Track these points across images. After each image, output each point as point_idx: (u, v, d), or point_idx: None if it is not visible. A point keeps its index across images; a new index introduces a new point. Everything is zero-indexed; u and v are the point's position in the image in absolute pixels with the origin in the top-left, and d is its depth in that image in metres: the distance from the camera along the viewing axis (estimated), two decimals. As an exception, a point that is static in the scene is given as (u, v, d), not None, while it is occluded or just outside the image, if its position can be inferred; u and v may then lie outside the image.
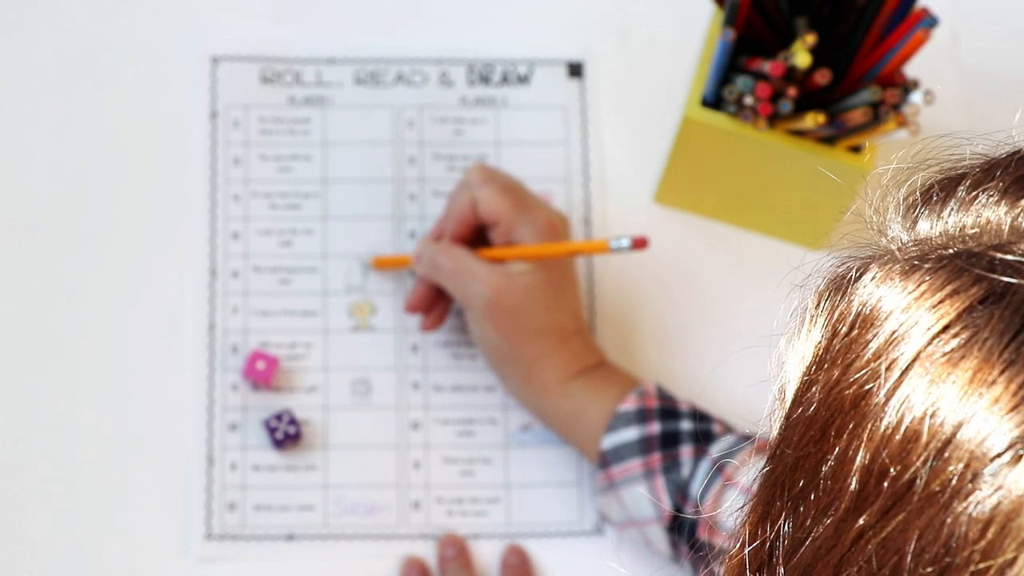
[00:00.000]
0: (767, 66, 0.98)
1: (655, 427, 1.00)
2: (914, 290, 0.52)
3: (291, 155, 1.13)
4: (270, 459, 1.06)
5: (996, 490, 0.48)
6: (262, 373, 1.06)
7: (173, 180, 1.12)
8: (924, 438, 0.50)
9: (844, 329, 0.54)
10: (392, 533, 1.06)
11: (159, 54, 1.15)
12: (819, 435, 0.53)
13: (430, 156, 1.14)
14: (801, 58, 0.96)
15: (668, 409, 1.01)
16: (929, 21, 0.96)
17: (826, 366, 0.54)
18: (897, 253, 0.54)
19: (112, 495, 1.05)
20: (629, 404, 1.01)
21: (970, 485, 0.48)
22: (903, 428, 0.50)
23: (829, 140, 1.02)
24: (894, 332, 0.52)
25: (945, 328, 0.51)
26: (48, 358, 1.08)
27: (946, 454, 0.49)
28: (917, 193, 0.57)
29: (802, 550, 0.53)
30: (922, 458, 0.49)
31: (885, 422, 0.51)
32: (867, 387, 0.52)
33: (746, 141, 1.03)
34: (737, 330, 1.11)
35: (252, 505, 1.06)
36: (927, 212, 0.56)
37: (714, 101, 1.03)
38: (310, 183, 1.13)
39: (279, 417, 1.06)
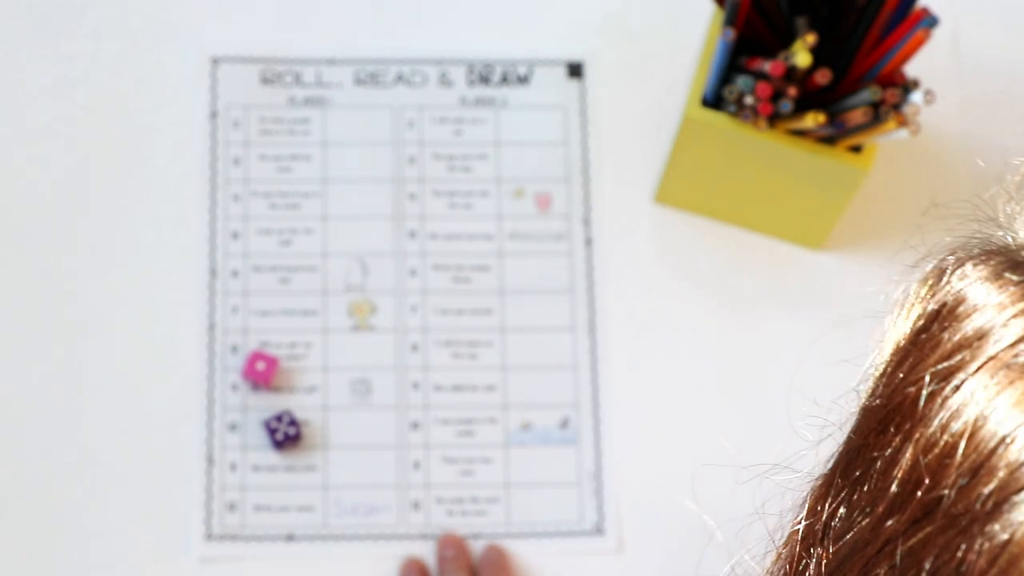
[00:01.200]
0: (767, 66, 0.98)
1: None
2: (998, 295, 0.51)
3: (291, 155, 1.13)
4: (270, 459, 1.06)
5: (1013, 525, 0.47)
6: (262, 373, 1.06)
7: (173, 180, 1.12)
8: (960, 454, 0.49)
9: (923, 324, 0.53)
10: (392, 533, 1.06)
11: (159, 55, 1.14)
12: (880, 428, 0.52)
13: (430, 156, 1.14)
14: (802, 58, 0.96)
15: None
16: (929, 21, 0.96)
17: (902, 358, 0.53)
18: (998, 252, 0.53)
19: (111, 495, 1.05)
20: None
21: (993, 513, 0.47)
22: (944, 440, 0.49)
23: (829, 140, 1.02)
24: (967, 336, 0.50)
25: (1019, 340, 0.49)
26: (47, 358, 1.07)
27: (980, 474, 0.48)
28: None
29: (846, 538, 0.52)
30: (955, 475, 0.49)
31: (932, 429, 0.50)
32: (930, 388, 0.51)
33: (746, 141, 1.03)
34: (737, 330, 1.11)
35: (252, 505, 1.06)
36: None
37: (714, 101, 1.03)
38: (310, 183, 1.13)
39: (279, 418, 1.06)
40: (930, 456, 0.49)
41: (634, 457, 1.08)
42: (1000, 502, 0.47)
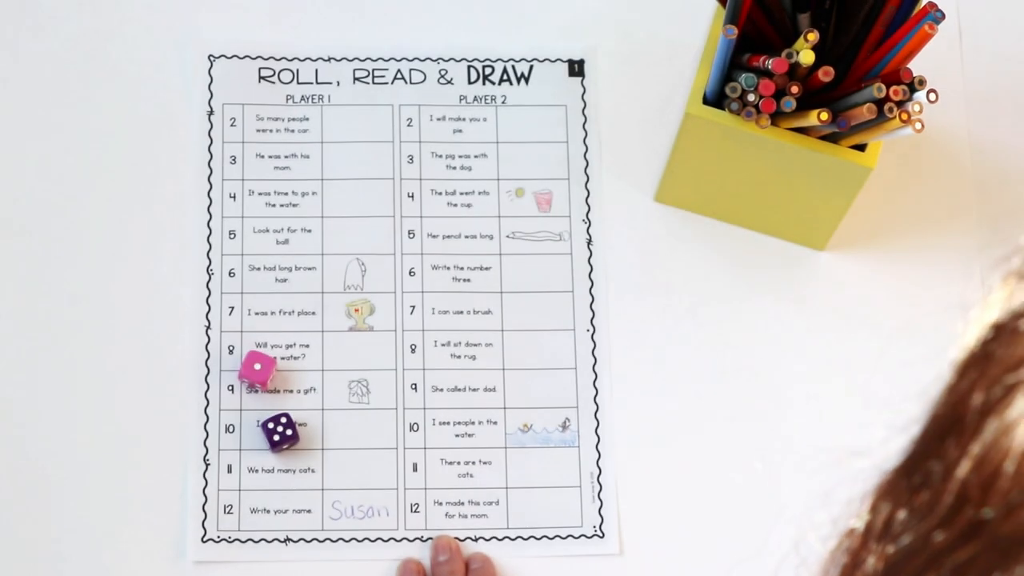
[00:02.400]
0: (770, 63, 0.97)
1: None
2: None
3: (288, 154, 1.13)
4: (267, 461, 1.06)
5: None
6: (259, 374, 1.06)
7: (169, 179, 1.12)
8: (1010, 474, 0.47)
9: (993, 333, 0.51)
10: (390, 536, 1.05)
11: (156, 52, 1.14)
12: (941, 436, 0.51)
13: (429, 155, 1.13)
14: (804, 56, 0.96)
15: None
16: (935, 16, 0.95)
17: (969, 366, 0.52)
18: None
19: (108, 498, 1.04)
20: None
21: None
22: (996, 457, 0.48)
23: (832, 138, 1.01)
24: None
25: None
26: (42, 358, 1.07)
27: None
28: None
29: (901, 542, 0.51)
30: (1003, 495, 0.48)
31: (985, 444, 0.48)
32: (989, 401, 0.49)
33: (748, 139, 1.02)
34: (739, 331, 1.10)
35: (249, 508, 1.05)
36: None
37: (716, 99, 1.02)
38: (308, 182, 1.12)
39: (276, 419, 1.05)
40: (981, 472, 0.48)
41: (635, 459, 1.07)
42: None
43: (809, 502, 0.58)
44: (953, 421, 0.51)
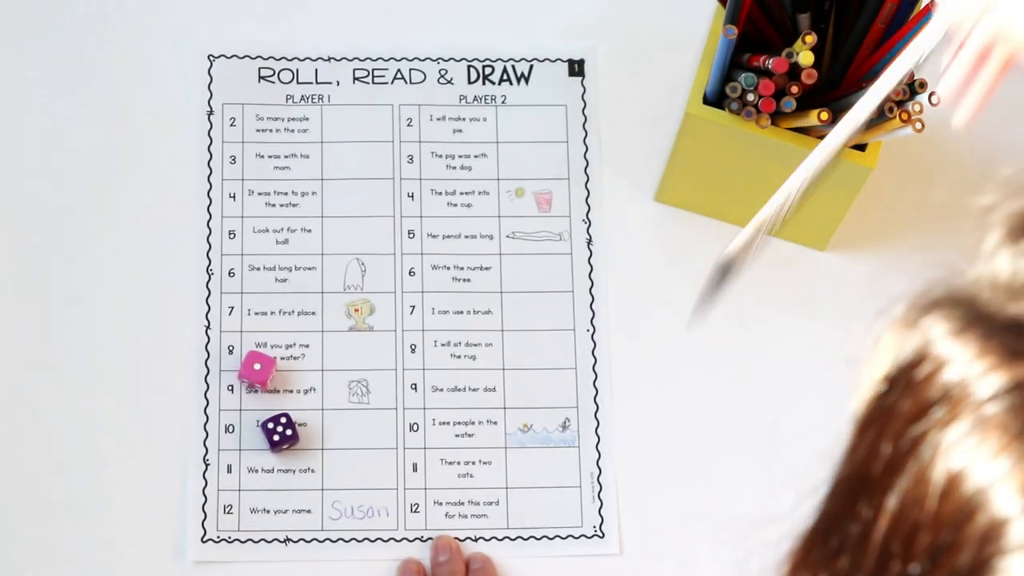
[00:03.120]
0: (770, 63, 0.97)
1: None
2: (963, 351, 0.48)
3: (288, 153, 1.12)
4: (267, 461, 1.05)
5: None
6: (259, 374, 1.05)
7: (169, 179, 1.11)
8: (929, 528, 0.47)
9: (888, 385, 0.51)
10: (390, 536, 1.05)
11: (155, 52, 1.14)
12: (852, 494, 0.50)
13: (429, 155, 1.13)
14: (804, 56, 0.95)
15: None
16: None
17: (871, 418, 0.51)
18: (961, 303, 0.50)
19: (108, 497, 1.04)
20: None
21: None
22: (915, 511, 0.47)
23: (832, 138, 1.01)
24: (935, 395, 0.48)
25: (991, 398, 0.47)
26: (42, 359, 1.07)
27: (956, 542, 0.46)
28: (1013, 220, 0.53)
29: None
30: (925, 550, 0.47)
31: (903, 496, 0.48)
32: (901, 453, 0.49)
33: (748, 138, 1.02)
34: (740, 331, 1.10)
35: (248, 508, 1.05)
36: (1011, 247, 0.52)
37: (716, 99, 1.02)
38: (308, 182, 1.12)
39: (276, 419, 1.05)
40: (901, 528, 0.48)
41: (635, 459, 1.07)
42: (977, 569, 0.46)
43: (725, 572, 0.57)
44: (862, 480, 0.50)
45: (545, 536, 1.06)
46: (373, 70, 1.15)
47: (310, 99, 1.14)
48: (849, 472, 0.51)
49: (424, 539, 1.05)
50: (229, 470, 1.05)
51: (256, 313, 1.09)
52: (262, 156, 1.12)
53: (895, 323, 0.52)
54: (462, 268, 1.11)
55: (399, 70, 1.15)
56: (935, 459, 0.47)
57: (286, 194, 1.12)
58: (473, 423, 1.08)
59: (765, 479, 0.62)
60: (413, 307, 1.10)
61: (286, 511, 1.05)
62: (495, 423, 1.08)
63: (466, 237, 1.11)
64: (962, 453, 0.47)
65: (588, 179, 1.13)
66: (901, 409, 0.49)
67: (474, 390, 1.08)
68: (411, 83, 1.15)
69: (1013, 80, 1.17)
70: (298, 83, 1.14)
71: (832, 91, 1.00)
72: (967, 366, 0.48)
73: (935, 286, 0.52)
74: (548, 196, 1.12)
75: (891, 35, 0.99)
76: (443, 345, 1.09)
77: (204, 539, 1.04)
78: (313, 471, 1.06)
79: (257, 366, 1.06)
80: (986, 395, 0.47)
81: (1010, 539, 0.45)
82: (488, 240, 1.11)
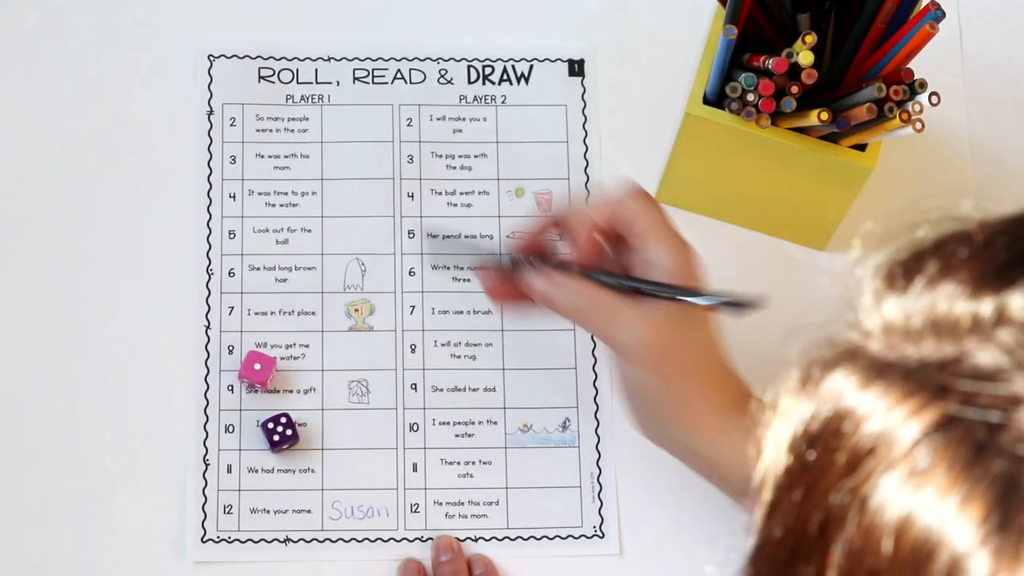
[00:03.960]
0: (770, 63, 0.97)
1: None
2: (876, 401, 0.48)
3: (288, 153, 1.12)
4: (267, 461, 1.05)
5: None
6: (259, 374, 1.05)
7: (169, 178, 1.11)
8: (887, 569, 0.46)
9: (807, 443, 0.50)
10: (390, 536, 1.05)
11: (155, 51, 1.14)
12: (789, 560, 0.50)
13: (429, 155, 1.13)
14: (804, 56, 0.95)
15: None
16: (936, 15, 0.95)
17: (795, 479, 0.50)
18: (855, 355, 0.50)
19: (107, 497, 1.04)
20: None
21: None
22: (867, 563, 0.47)
23: (832, 138, 1.01)
24: (860, 450, 0.48)
25: (913, 445, 0.47)
26: (42, 358, 1.07)
27: None
28: (888, 268, 0.53)
29: None
30: None
31: (851, 551, 0.47)
32: (839, 507, 0.48)
33: (748, 138, 1.02)
34: (740, 331, 1.10)
35: (248, 508, 1.05)
36: (894, 293, 0.52)
37: (716, 99, 1.02)
38: (307, 182, 1.12)
39: (276, 419, 1.05)
40: (859, 571, 0.47)
41: (635, 459, 1.07)
42: None
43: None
44: (797, 542, 0.49)
45: (545, 536, 1.05)
46: (373, 70, 1.15)
47: (310, 99, 1.14)
48: (780, 538, 0.50)
49: (424, 539, 1.05)
50: (229, 470, 1.05)
51: (256, 313, 1.09)
52: (262, 156, 1.12)
53: (791, 388, 0.52)
54: (462, 268, 1.11)
55: (399, 70, 1.15)
56: (881, 506, 0.47)
57: (286, 194, 1.12)
58: (473, 423, 1.08)
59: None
60: (413, 307, 1.10)
61: (286, 511, 1.05)
62: (495, 423, 1.08)
63: (466, 237, 1.11)
64: (906, 498, 0.47)
65: (588, 179, 1.13)
66: (830, 465, 0.49)
67: (474, 390, 1.08)
68: (411, 83, 1.15)
69: (1013, 80, 1.17)
70: (298, 83, 1.14)
71: (832, 91, 1.00)
72: (886, 417, 0.48)
73: (818, 347, 0.52)
74: (548, 196, 1.12)
75: (891, 35, 0.99)
76: (443, 345, 1.09)
77: (204, 539, 1.04)
78: (313, 471, 1.06)
79: (257, 366, 1.06)
80: (913, 440, 0.47)
81: (975, 572, 0.45)
82: (488, 240, 1.11)
